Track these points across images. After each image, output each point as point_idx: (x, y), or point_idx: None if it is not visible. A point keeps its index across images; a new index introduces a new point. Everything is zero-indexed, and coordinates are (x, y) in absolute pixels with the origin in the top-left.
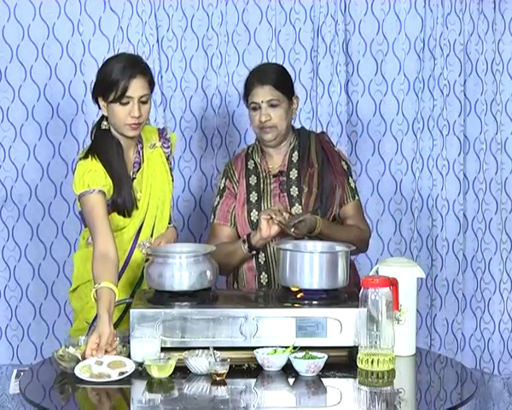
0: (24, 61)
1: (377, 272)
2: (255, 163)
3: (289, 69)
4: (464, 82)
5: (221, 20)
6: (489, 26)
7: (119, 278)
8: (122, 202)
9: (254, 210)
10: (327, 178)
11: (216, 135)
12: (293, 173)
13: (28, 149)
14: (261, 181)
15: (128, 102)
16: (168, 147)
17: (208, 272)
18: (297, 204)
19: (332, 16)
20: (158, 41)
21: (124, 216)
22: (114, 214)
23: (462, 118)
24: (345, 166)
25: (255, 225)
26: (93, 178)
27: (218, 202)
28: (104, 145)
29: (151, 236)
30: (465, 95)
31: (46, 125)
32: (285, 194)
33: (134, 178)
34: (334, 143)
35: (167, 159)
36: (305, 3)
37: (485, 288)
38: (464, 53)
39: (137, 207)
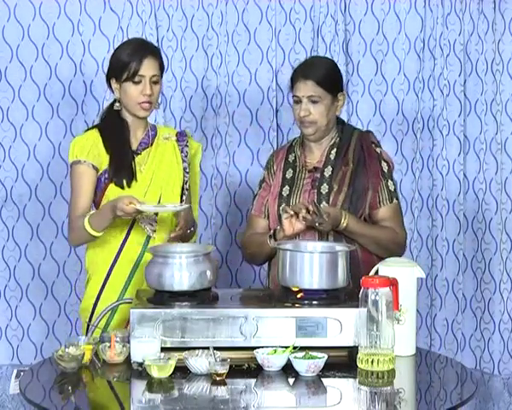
0: (24, 61)
1: (377, 272)
2: (295, 156)
3: (289, 69)
4: (464, 82)
5: (221, 20)
6: (489, 26)
7: (120, 251)
8: (116, 169)
9: (284, 204)
10: (359, 178)
11: (216, 135)
12: (328, 171)
13: (28, 149)
14: (296, 175)
15: (140, 81)
16: (183, 140)
17: (208, 272)
18: (324, 202)
19: (332, 16)
20: (158, 41)
21: (122, 188)
22: (111, 186)
23: (462, 118)
24: (385, 168)
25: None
26: (81, 148)
27: (257, 193)
28: (109, 119)
29: (155, 215)
30: (465, 95)
31: (46, 125)
32: (315, 191)
33: (138, 154)
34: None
35: (181, 151)
36: (305, 3)
37: (485, 288)
38: (464, 53)
39: (136, 180)
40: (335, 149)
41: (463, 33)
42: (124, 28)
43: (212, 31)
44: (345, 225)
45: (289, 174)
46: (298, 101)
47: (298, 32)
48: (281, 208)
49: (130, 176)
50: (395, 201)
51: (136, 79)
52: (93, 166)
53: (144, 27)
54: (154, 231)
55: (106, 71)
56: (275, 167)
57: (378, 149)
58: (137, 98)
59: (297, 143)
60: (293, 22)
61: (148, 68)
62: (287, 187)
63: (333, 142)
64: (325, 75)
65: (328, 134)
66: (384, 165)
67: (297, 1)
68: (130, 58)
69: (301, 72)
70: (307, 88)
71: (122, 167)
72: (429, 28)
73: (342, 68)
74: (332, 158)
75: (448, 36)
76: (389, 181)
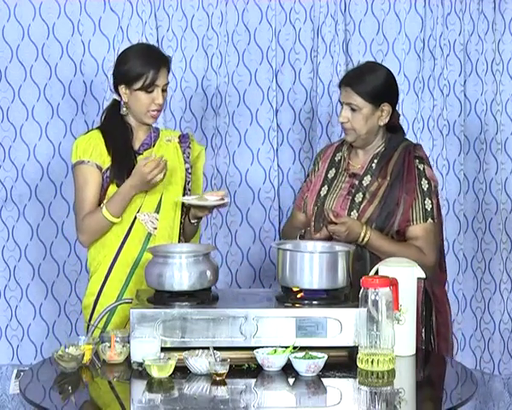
0: (24, 61)
1: (377, 272)
2: (341, 157)
3: (289, 69)
4: (464, 82)
5: (221, 20)
6: (489, 26)
7: (120, 249)
8: (118, 170)
9: (319, 204)
10: (393, 193)
11: (216, 135)
12: (366, 180)
13: (28, 149)
14: (337, 177)
15: (153, 90)
16: (186, 142)
17: (208, 272)
18: (355, 211)
19: (332, 16)
20: (158, 41)
21: None
22: (113, 187)
23: (462, 118)
24: (425, 186)
25: (318, 219)
26: (85, 148)
27: (301, 187)
28: (112, 121)
29: (156, 212)
30: (465, 95)
31: (46, 125)
32: (349, 197)
33: (140, 154)
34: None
35: (184, 152)
36: (305, 3)
37: (485, 288)
38: (464, 53)
39: None
40: (378, 159)
41: (463, 33)
42: (124, 28)
43: (212, 31)
44: (366, 239)
45: (331, 174)
46: (342, 105)
47: (298, 32)
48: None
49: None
50: (430, 221)
51: (150, 88)
52: (97, 165)
53: (144, 27)
54: (155, 228)
55: (113, 75)
56: (320, 164)
57: (421, 166)
58: (149, 106)
59: (346, 144)
60: (293, 22)
61: (162, 78)
62: (326, 187)
63: (378, 151)
64: (366, 85)
65: (373, 142)
66: (424, 182)
67: (297, 1)
68: (145, 68)
69: (345, 78)
70: (347, 95)
71: (124, 168)
72: (429, 28)
73: (342, 68)
74: (374, 167)
75: (448, 36)
76: (427, 200)
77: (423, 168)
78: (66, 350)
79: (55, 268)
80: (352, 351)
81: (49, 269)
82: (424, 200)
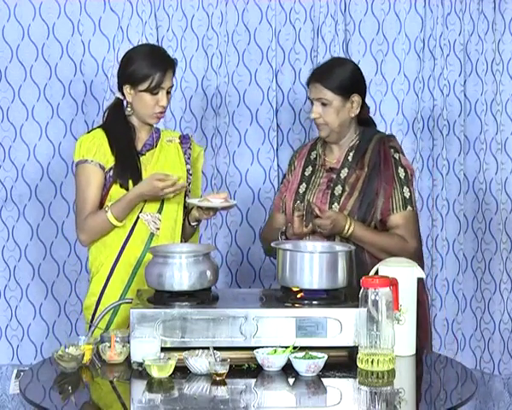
0: (24, 61)
1: (377, 272)
2: (317, 154)
3: (289, 69)
4: (464, 82)
5: (221, 20)
6: (489, 26)
7: (122, 249)
8: (122, 171)
9: (299, 201)
10: (372, 184)
11: (216, 135)
12: (344, 172)
13: (28, 149)
14: (314, 173)
15: (158, 92)
16: (186, 143)
17: (208, 272)
18: (336, 204)
19: (332, 16)
20: (158, 41)
21: (127, 189)
22: (115, 186)
23: (462, 118)
24: (402, 174)
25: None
26: (88, 147)
27: (279, 189)
28: (115, 120)
29: (159, 213)
30: (465, 95)
31: (46, 125)
32: (329, 191)
33: (142, 154)
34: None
35: (185, 153)
36: (305, 3)
37: (485, 288)
38: (464, 53)
39: (142, 179)
40: (353, 152)
41: (463, 33)
42: (124, 28)
43: (212, 31)
44: (350, 231)
45: (308, 172)
46: (311, 102)
47: (298, 32)
48: (295, 205)
49: (136, 177)
50: (409, 208)
51: (155, 90)
52: (100, 165)
53: (144, 27)
54: (158, 228)
55: (118, 74)
56: (296, 164)
57: (397, 155)
58: (154, 108)
59: (320, 141)
60: (293, 22)
61: (168, 81)
62: (304, 184)
63: (352, 144)
64: (334, 79)
65: (346, 135)
66: (401, 171)
67: (297, 1)
68: (152, 70)
69: (313, 74)
70: (316, 90)
71: (128, 169)
72: (429, 28)
73: None
74: (349, 160)
75: (448, 36)
76: (405, 188)
77: (399, 157)
78: (66, 350)
79: (55, 268)
80: (352, 351)
81: (49, 269)
82: (402, 188)
